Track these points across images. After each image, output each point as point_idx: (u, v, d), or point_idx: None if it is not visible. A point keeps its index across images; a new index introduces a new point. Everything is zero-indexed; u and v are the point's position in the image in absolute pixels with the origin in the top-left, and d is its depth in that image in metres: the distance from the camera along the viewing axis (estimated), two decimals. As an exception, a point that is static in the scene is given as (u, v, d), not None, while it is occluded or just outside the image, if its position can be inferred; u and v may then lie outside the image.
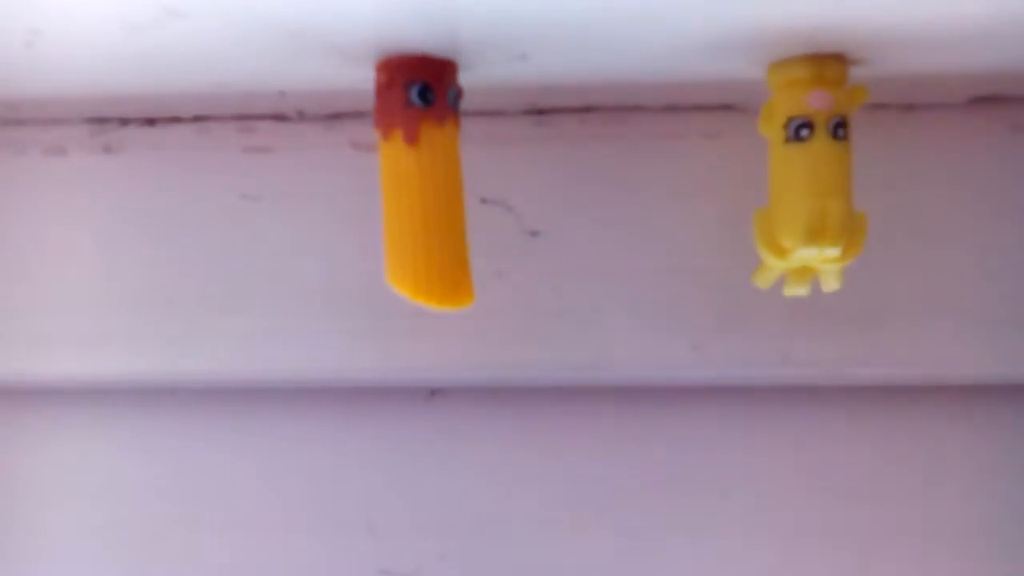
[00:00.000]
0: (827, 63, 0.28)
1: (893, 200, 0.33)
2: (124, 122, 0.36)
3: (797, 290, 0.30)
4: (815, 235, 0.28)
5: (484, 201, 0.34)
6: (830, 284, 0.30)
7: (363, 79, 0.29)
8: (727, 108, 0.34)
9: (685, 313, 0.33)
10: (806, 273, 0.30)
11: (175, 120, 0.35)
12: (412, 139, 0.27)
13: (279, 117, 0.35)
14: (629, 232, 0.33)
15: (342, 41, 0.27)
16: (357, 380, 0.35)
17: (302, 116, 0.35)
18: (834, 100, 0.28)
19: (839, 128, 0.28)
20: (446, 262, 0.28)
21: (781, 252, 0.28)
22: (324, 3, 0.25)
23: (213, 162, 0.35)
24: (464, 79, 0.29)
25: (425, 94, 0.28)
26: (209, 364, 0.34)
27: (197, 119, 0.35)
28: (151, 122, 0.35)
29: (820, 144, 0.28)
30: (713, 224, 0.33)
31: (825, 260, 0.28)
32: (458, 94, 0.29)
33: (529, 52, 0.28)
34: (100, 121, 0.36)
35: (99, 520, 0.36)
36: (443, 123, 0.28)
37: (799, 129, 0.28)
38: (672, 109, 0.34)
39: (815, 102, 0.28)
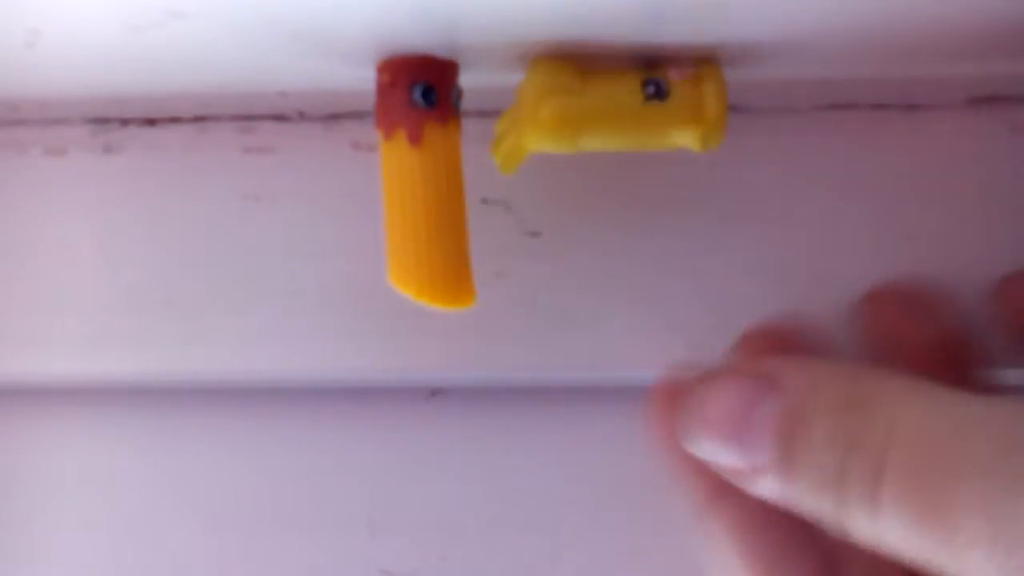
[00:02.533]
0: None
1: (892, 200, 0.33)
2: (124, 122, 0.36)
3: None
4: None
5: (484, 201, 0.34)
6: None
7: (363, 79, 0.29)
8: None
9: (685, 313, 0.33)
10: None
11: (175, 120, 0.35)
12: (415, 139, 0.27)
13: (279, 117, 0.35)
14: (629, 232, 0.33)
15: (343, 42, 0.27)
16: (357, 380, 0.35)
17: (302, 116, 0.35)
18: None
19: None
20: (449, 262, 0.28)
21: None
22: (325, 4, 0.25)
23: (213, 162, 0.35)
24: (464, 80, 0.29)
25: (428, 94, 0.27)
26: (209, 364, 0.34)
27: (197, 119, 0.35)
28: (151, 122, 0.35)
29: None
30: (713, 224, 0.33)
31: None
32: (459, 95, 0.29)
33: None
34: (100, 121, 0.36)
35: (99, 520, 0.36)
36: (446, 123, 0.28)
37: None
38: (672, 109, 0.34)
39: None
